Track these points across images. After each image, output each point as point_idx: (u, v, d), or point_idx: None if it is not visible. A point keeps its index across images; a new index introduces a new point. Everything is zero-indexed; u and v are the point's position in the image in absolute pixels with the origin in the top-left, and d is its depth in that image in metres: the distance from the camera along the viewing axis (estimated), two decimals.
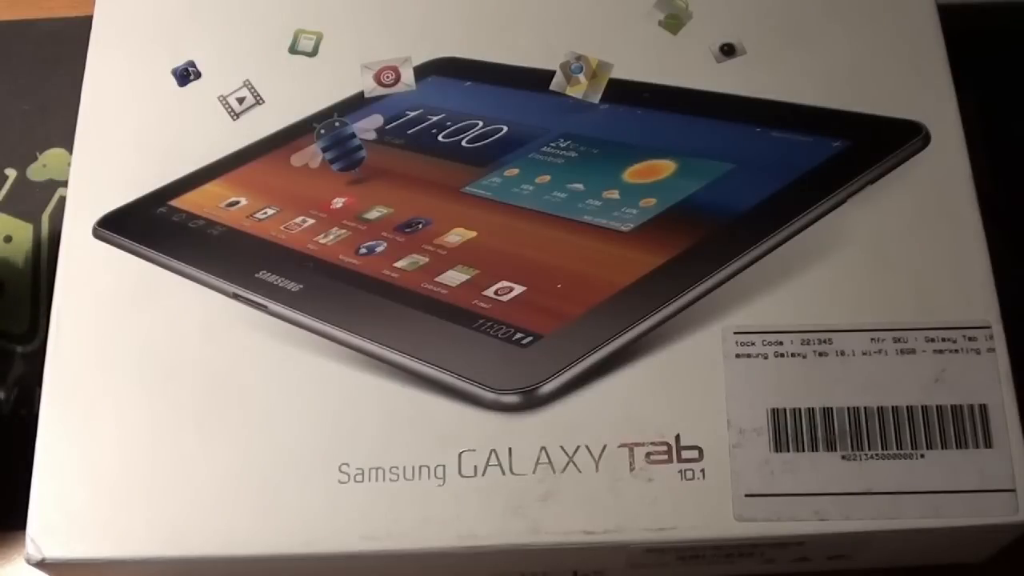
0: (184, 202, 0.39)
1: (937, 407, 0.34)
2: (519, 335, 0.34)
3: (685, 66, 0.40)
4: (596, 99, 0.40)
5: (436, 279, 0.36)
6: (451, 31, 0.41)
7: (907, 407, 0.34)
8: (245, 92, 0.40)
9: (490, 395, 0.34)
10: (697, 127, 0.39)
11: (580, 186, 0.38)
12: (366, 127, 0.40)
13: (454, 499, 0.33)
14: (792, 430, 0.34)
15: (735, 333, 0.35)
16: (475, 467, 0.33)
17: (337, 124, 0.40)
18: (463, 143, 0.40)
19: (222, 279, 0.37)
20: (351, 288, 0.36)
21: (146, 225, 0.38)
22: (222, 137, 0.39)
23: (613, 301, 0.35)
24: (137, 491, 0.34)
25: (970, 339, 0.34)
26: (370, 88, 0.40)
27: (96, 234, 0.37)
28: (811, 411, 0.34)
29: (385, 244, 0.37)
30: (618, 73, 0.40)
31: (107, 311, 0.36)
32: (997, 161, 0.39)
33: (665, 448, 0.33)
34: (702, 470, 0.33)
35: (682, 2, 0.41)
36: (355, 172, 0.40)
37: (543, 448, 0.33)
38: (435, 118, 0.41)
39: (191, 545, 0.33)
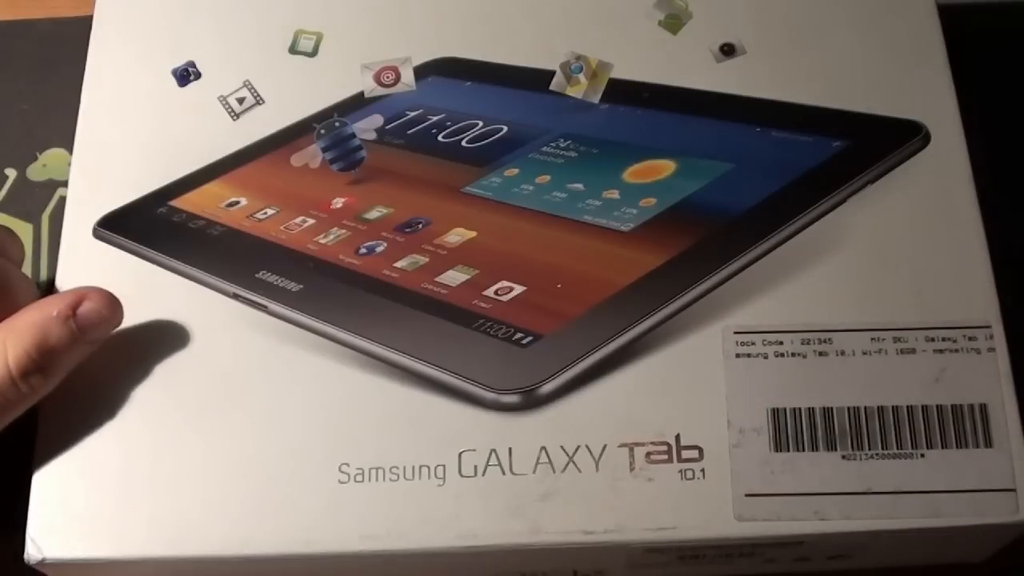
0: (184, 202, 0.39)
1: (937, 407, 0.34)
2: (519, 335, 0.34)
3: (685, 66, 0.40)
4: (596, 99, 0.40)
5: (436, 279, 0.36)
6: (451, 31, 0.41)
7: (907, 407, 0.34)
8: (245, 92, 0.40)
9: (490, 395, 0.34)
10: (697, 127, 0.39)
11: (580, 186, 0.38)
12: (366, 127, 0.40)
13: (454, 499, 0.33)
14: (792, 430, 0.34)
15: (735, 333, 0.35)
16: (475, 467, 0.33)
17: (337, 124, 0.40)
18: (463, 143, 0.40)
19: (222, 279, 0.37)
20: (351, 288, 0.36)
21: (146, 225, 0.38)
22: (222, 137, 0.39)
23: (613, 301, 0.35)
24: (137, 491, 0.34)
25: (970, 339, 0.34)
26: (370, 88, 0.40)
27: (96, 234, 0.37)
28: (811, 411, 0.34)
29: (385, 244, 0.37)
30: (618, 73, 0.40)
31: None
32: (997, 161, 0.39)
33: (665, 448, 0.33)
34: (702, 470, 0.33)
35: (682, 2, 0.41)
36: (355, 172, 0.40)
37: (543, 448, 0.33)
38: (435, 118, 0.41)
39: (191, 545, 0.33)
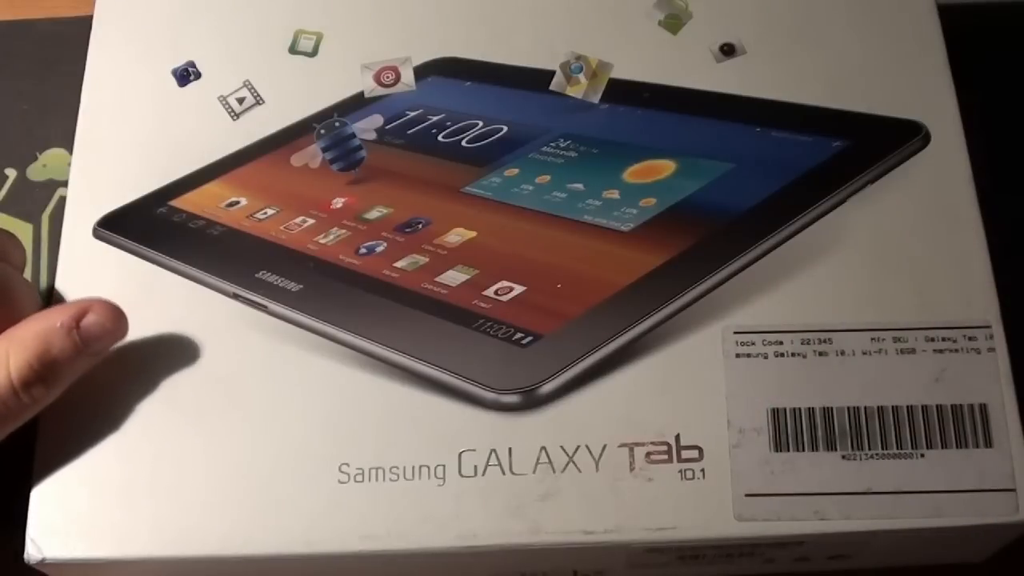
0: (184, 202, 0.39)
1: (937, 407, 0.34)
2: (519, 335, 0.34)
3: (685, 66, 0.40)
4: (596, 99, 0.40)
5: (436, 279, 0.36)
6: (451, 31, 0.41)
7: (907, 407, 0.34)
8: (245, 92, 0.40)
9: (490, 395, 0.34)
10: (697, 127, 0.39)
11: (580, 186, 0.38)
12: (366, 127, 0.40)
13: (454, 499, 0.33)
14: (792, 430, 0.34)
15: (735, 333, 0.35)
16: (475, 467, 0.33)
17: (337, 124, 0.40)
18: (463, 143, 0.40)
19: (222, 279, 0.37)
20: (351, 288, 0.36)
21: (146, 225, 0.38)
22: (222, 137, 0.39)
23: (613, 301, 0.35)
24: (137, 491, 0.34)
25: (970, 339, 0.34)
26: (370, 88, 0.40)
27: (96, 234, 0.37)
28: (811, 411, 0.34)
29: (385, 244, 0.37)
30: (618, 73, 0.40)
31: None
32: (997, 161, 0.39)
33: (665, 448, 0.33)
34: (702, 470, 0.33)
35: (682, 2, 0.41)
36: (355, 172, 0.40)
37: (543, 448, 0.33)
38: (435, 118, 0.41)
39: (191, 545, 0.33)
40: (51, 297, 0.36)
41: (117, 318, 0.34)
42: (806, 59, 0.39)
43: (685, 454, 0.33)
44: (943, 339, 0.34)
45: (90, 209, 0.38)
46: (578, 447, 0.33)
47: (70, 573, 0.34)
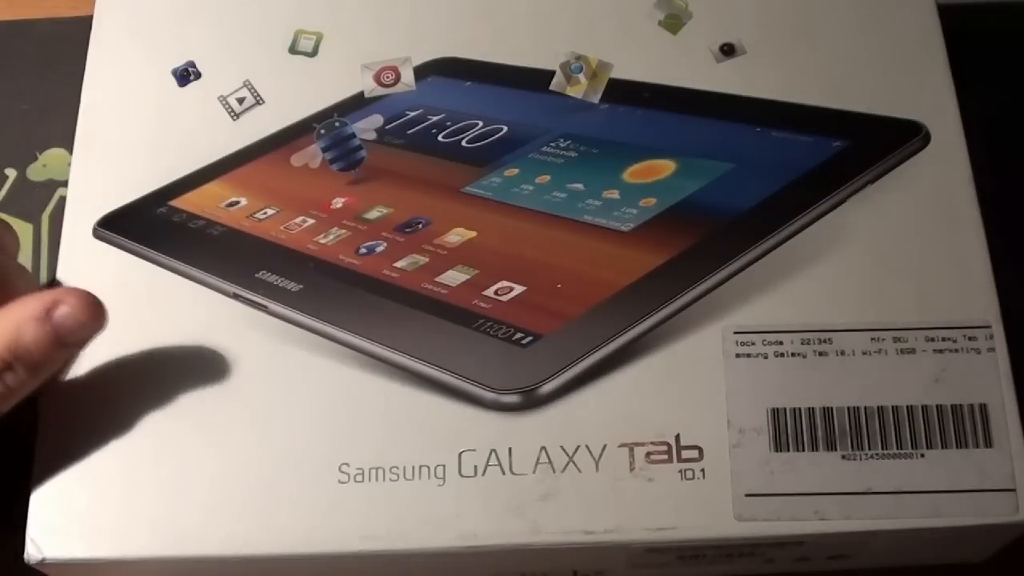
0: (184, 202, 0.39)
1: (937, 407, 0.34)
2: (519, 335, 0.34)
3: (685, 66, 0.40)
4: (596, 99, 0.40)
5: (436, 279, 0.36)
6: (451, 31, 0.41)
7: (907, 407, 0.34)
8: (245, 92, 0.40)
9: (490, 395, 0.34)
10: (697, 127, 0.39)
11: (580, 186, 0.38)
12: (366, 127, 0.40)
13: (454, 499, 0.33)
14: (792, 430, 0.34)
15: (735, 333, 0.35)
16: (475, 467, 0.33)
17: (337, 124, 0.40)
18: (463, 143, 0.40)
19: (222, 279, 0.37)
20: (351, 288, 0.36)
21: (146, 225, 0.38)
22: (222, 137, 0.39)
23: (613, 301, 0.35)
24: (137, 491, 0.34)
25: (970, 339, 0.34)
26: (370, 88, 0.40)
27: (96, 234, 0.37)
28: (811, 411, 0.34)
29: (385, 244, 0.37)
30: (618, 73, 0.40)
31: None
32: (997, 161, 0.39)
33: (665, 448, 0.33)
34: (702, 470, 0.33)
35: (682, 2, 0.41)
36: (355, 172, 0.40)
37: (543, 448, 0.33)
38: (435, 118, 0.41)
39: (191, 545, 0.33)
40: None
41: (91, 310, 0.33)
42: (806, 59, 0.39)
43: (685, 454, 0.33)
44: (943, 339, 0.34)
45: (90, 209, 0.38)
46: (578, 447, 0.33)
47: (70, 573, 0.34)
